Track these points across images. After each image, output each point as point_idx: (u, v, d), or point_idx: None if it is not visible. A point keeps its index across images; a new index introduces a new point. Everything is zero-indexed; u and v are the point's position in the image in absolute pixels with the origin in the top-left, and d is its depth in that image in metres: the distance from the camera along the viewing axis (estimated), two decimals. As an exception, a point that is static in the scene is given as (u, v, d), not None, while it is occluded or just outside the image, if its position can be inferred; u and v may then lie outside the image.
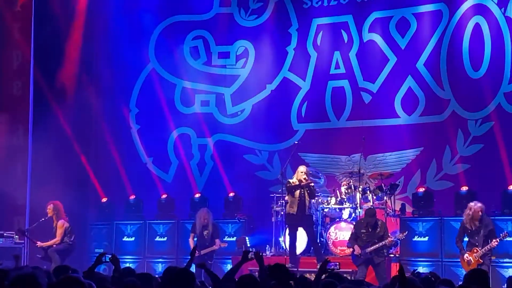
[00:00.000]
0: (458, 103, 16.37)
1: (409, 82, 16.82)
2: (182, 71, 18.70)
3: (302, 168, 14.53)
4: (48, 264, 14.62)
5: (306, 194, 14.30)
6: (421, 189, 15.59)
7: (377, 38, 17.18)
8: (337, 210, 15.40)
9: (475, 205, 13.03)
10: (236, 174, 17.63)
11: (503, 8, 16.00)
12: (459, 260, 13.35)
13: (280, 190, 15.41)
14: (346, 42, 17.45)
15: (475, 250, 12.93)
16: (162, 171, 18.66)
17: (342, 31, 17.47)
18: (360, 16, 17.31)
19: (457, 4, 16.44)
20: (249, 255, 8.63)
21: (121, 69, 18.79)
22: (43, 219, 15.62)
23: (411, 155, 16.78)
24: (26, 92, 17.95)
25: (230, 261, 15.39)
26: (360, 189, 15.26)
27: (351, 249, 13.65)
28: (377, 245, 13.33)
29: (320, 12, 17.75)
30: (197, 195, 17.14)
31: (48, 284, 6.42)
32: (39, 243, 15.37)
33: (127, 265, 15.62)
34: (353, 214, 15.19)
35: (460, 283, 7.89)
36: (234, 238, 15.97)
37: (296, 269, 13.63)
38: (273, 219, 15.74)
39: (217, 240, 14.91)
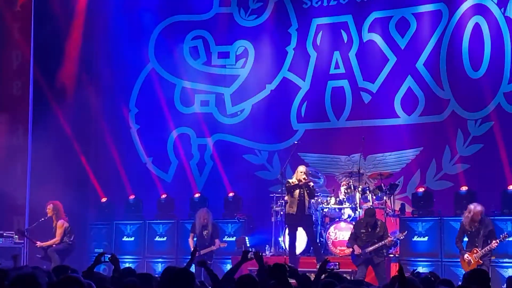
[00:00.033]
0: (457, 103, 16.37)
1: (409, 82, 16.82)
2: (181, 71, 18.70)
3: (301, 168, 14.52)
4: (47, 264, 14.62)
5: (305, 194, 14.29)
6: (421, 189, 15.58)
7: (377, 38, 17.18)
8: (337, 210, 15.41)
9: (474, 209, 13.01)
10: (235, 174, 17.63)
11: (502, 8, 16.00)
12: (458, 260, 13.36)
13: (279, 190, 15.41)
14: (345, 42, 17.45)
15: (475, 251, 12.94)
16: (162, 171, 18.66)
17: (342, 31, 17.47)
18: (360, 16, 17.31)
19: (456, 4, 16.44)
20: (249, 255, 8.63)
21: (121, 69, 18.79)
22: (42, 219, 15.62)
23: (411, 155, 16.78)
24: (26, 92, 17.96)
25: (230, 261, 15.38)
26: (359, 189, 15.27)
27: (351, 249, 13.65)
28: (376, 245, 13.33)
29: (319, 12, 17.75)
30: (197, 195, 17.14)
31: (48, 284, 6.42)
32: (38, 243, 15.37)
33: (127, 265, 15.63)
34: (353, 214, 15.19)
35: (460, 283, 7.89)
36: (234, 238, 15.97)
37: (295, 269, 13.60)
38: (272, 219, 15.74)
39: (216, 240, 14.90)
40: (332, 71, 17.58)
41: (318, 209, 15.27)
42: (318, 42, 17.72)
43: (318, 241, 14.78)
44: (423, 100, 16.70)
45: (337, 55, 17.52)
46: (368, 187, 15.61)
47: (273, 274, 7.27)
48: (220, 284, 8.10)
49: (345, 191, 15.45)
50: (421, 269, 12.42)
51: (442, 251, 14.52)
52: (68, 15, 18.31)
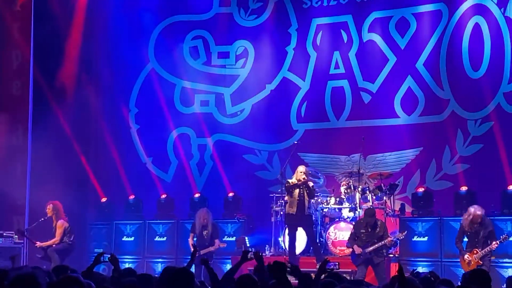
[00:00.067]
0: (457, 103, 16.37)
1: (409, 82, 16.82)
2: (181, 71, 18.70)
3: (301, 168, 14.52)
4: (47, 264, 14.61)
5: (305, 194, 14.29)
6: (421, 189, 15.58)
7: (377, 38, 17.18)
8: (337, 210, 15.41)
9: (474, 212, 13.00)
10: (235, 174, 17.63)
11: (502, 8, 16.00)
12: (458, 260, 13.36)
13: (279, 190, 15.41)
14: (345, 42, 17.46)
15: (475, 251, 12.94)
16: (162, 171, 18.66)
17: (342, 31, 17.47)
18: (360, 16, 17.31)
19: (456, 4, 16.45)
20: (249, 255, 8.62)
21: (121, 69, 18.79)
22: (42, 219, 15.62)
23: (411, 155, 16.78)
24: (25, 92, 17.95)
25: (230, 261, 15.38)
26: (359, 189, 15.27)
27: (351, 249, 13.64)
28: (376, 245, 13.33)
29: (319, 12, 17.75)
30: (197, 195, 17.14)
31: (48, 284, 6.42)
32: (38, 243, 15.37)
33: (127, 265, 15.65)
34: (353, 214, 15.19)
35: (459, 283, 7.90)
36: (234, 238, 15.97)
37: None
38: (272, 219, 15.74)
39: (216, 240, 14.90)
40: (332, 71, 17.58)
41: (318, 209, 15.27)
42: (318, 42, 17.72)
43: (318, 241, 14.78)
44: (423, 100, 16.71)
45: (337, 55, 17.52)
46: (368, 187, 15.61)
47: (272, 272, 7.25)
48: (219, 284, 8.10)
49: (345, 191, 15.45)
50: (420, 269, 12.39)
51: (442, 251, 14.52)
52: (68, 15, 18.30)
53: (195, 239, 14.96)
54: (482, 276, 7.71)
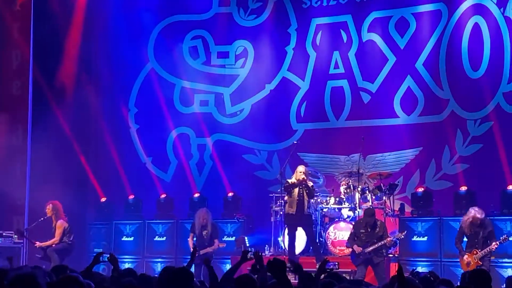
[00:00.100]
0: (457, 103, 16.37)
1: (408, 82, 16.83)
2: (181, 70, 18.70)
3: (301, 168, 14.52)
4: (47, 264, 14.59)
5: (304, 194, 14.29)
6: (420, 189, 15.59)
7: (376, 38, 17.18)
8: (336, 210, 15.41)
9: (475, 215, 12.98)
10: (235, 174, 17.63)
11: (502, 8, 16.00)
12: (458, 260, 13.36)
13: (279, 190, 15.41)
14: (345, 42, 17.46)
15: (474, 252, 12.94)
16: (161, 171, 18.65)
17: (341, 31, 17.47)
18: (359, 16, 17.31)
19: (456, 4, 16.45)
20: (248, 255, 8.62)
21: (120, 69, 18.79)
22: (42, 218, 15.62)
23: (410, 155, 16.79)
24: (25, 91, 17.95)
25: (229, 261, 15.37)
26: (359, 189, 15.27)
27: (350, 249, 13.65)
28: (376, 245, 13.33)
29: (319, 12, 17.75)
30: (196, 195, 17.14)
31: (47, 284, 6.42)
32: (37, 243, 15.37)
33: (126, 265, 15.67)
34: (352, 214, 15.19)
35: (459, 283, 7.90)
36: (233, 238, 15.97)
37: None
38: (272, 219, 15.74)
39: (215, 241, 14.88)
40: (332, 71, 17.58)
41: (317, 209, 15.28)
42: (317, 42, 17.72)
43: (317, 241, 14.78)
44: (422, 100, 16.71)
45: (336, 55, 17.52)
46: (368, 187, 15.61)
47: (271, 270, 7.25)
48: (218, 284, 8.09)
49: (345, 191, 15.46)
50: (420, 269, 12.42)
51: (442, 251, 14.52)
52: (68, 15, 18.30)
53: (194, 239, 14.95)
54: (482, 276, 7.72)
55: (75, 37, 18.34)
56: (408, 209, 15.75)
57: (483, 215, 13.06)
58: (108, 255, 8.78)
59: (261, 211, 16.64)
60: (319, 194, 15.58)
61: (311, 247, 14.71)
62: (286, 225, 14.68)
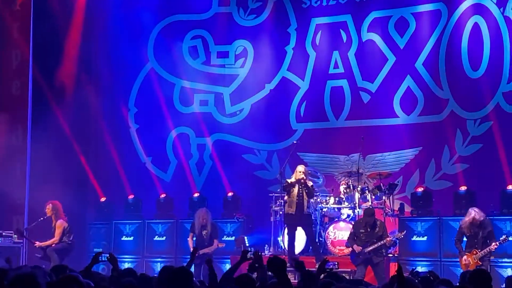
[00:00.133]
0: (457, 103, 16.37)
1: (408, 81, 16.83)
2: (181, 70, 18.70)
3: (300, 168, 14.52)
4: (47, 263, 14.59)
5: (304, 193, 14.29)
6: (420, 189, 15.59)
7: (376, 38, 17.18)
8: (336, 209, 15.41)
9: (475, 216, 12.98)
10: (235, 173, 17.63)
11: (502, 8, 16.00)
12: (457, 260, 13.36)
13: (279, 190, 15.40)
14: (345, 41, 17.46)
15: (474, 252, 12.94)
16: (161, 171, 18.65)
17: (341, 31, 17.47)
18: (359, 16, 17.31)
19: (456, 4, 16.45)
20: (248, 255, 8.62)
21: (120, 68, 18.78)
22: (41, 218, 15.62)
23: (410, 155, 16.79)
24: (25, 91, 17.95)
25: (229, 260, 15.38)
26: (358, 188, 15.27)
27: (350, 249, 13.65)
28: (376, 245, 13.33)
29: (319, 12, 17.75)
30: (196, 195, 17.13)
31: (47, 283, 6.42)
32: (37, 243, 15.37)
33: (126, 265, 15.68)
34: (352, 214, 15.20)
35: (458, 283, 7.91)
36: (233, 238, 15.97)
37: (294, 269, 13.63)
38: (272, 219, 15.74)
39: (215, 241, 14.88)
40: (331, 70, 17.58)
41: (317, 208, 15.28)
42: (317, 41, 17.72)
43: (317, 240, 14.78)
44: (422, 100, 16.71)
45: (336, 54, 17.52)
46: (367, 186, 15.61)
47: (271, 269, 7.26)
48: (218, 284, 8.09)
49: (344, 190, 15.46)
50: (420, 269, 12.40)
51: (441, 251, 14.52)
52: (67, 14, 18.29)
53: (194, 238, 14.95)
54: (482, 276, 7.73)
55: (75, 37, 18.34)
56: (407, 209, 15.76)
57: (483, 216, 13.07)
58: (108, 255, 8.78)
59: (260, 211, 16.64)
60: (319, 194, 15.57)
61: (310, 247, 14.71)
62: (285, 225, 14.68)
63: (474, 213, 13.04)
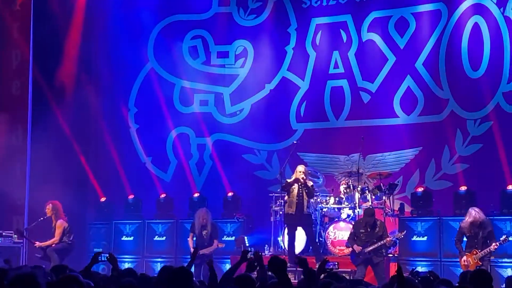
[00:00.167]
0: (457, 103, 16.37)
1: (408, 81, 16.83)
2: (181, 70, 18.70)
3: (300, 168, 14.52)
4: (47, 263, 14.59)
5: (304, 193, 14.29)
6: (420, 189, 15.59)
7: (376, 38, 17.18)
8: (336, 209, 15.41)
9: (475, 216, 12.98)
10: (235, 173, 17.63)
11: (502, 8, 16.00)
12: (457, 260, 13.35)
13: (279, 190, 15.40)
14: (345, 41, 17.46)
15: (474, 252, 12.94)
16: (161, 171, 18.65)
17: (341, 31, 17.47)
18: (359, 16, 17.31)
19: (456, 4, 16.45)
20: (248, 255, 8.63)
21: (120, 68, 18.78)
22: (41, 218, 15.61)
23: (410, 155, 16.79)
24: (25, 91, 17.95)
25: (229, 260, 15.38)
26: (359, 188, 15.27)
27: (350, 249, 13.65)
28: (376, 245, 13.33)
29: (319, 12, 17.75)
30: (196, 195, 17.14)
31: (47, 283, 6.42)
32: (37, 243, 15.36)
33: (126, 265, 15.68)
34: (352, 214, 15.19)
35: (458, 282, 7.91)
36: (233, 238, 15.97)
37: (294, 269, 13.63)
38: (272, 219, 15.74)
39: (215, 241, 14.88)
40: (331, 70, 17.58)
41: (317, 208, 15.28)
42: (317, 41, 17.72)
43: (317, 240, 14.78)
44: (422, 100, 16.71)
45: (336, 54, 17.52)
46: (367, 186, 15.61)
47: (271, 269, 7.26)
48: (218, 284, 8.09)
49: (344, 190, 15.45)
50: (420, 269, 12.38)
51: (441, 251, 14.52)
52: (67, 14, 18.29)
53: (194, 238, 14.95)
54: (483, 276, 7.73)
55: (75, 37, 18.34)
56: (407, 209, 15.76)
57: (483, 216, 13.06)
58: (107, 255, 8.78)
59: (260, 211, 16.64)
60: (319, 194, 15.58)
61: (310, 247, 14.70)
62: (285, 225, 14.68)
63: (474, 212, 13.04)
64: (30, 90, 17.93)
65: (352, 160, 16.85)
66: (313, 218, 14.82)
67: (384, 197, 15.26)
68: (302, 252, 14.87)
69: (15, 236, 16.05)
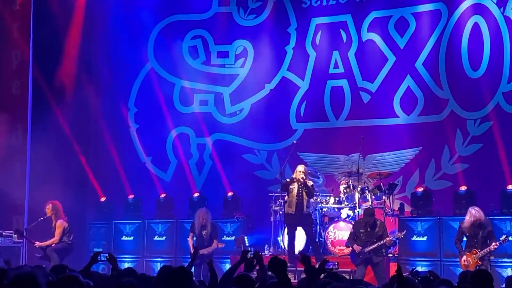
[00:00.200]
0: (457, 103, 16.38)
1: (408, 81, 16.83)
2: (181, 70, 18.70)
3: (300, 168, 14.52)
4: (47, 263, 14.58)
5: (304, 193, 14.29)
6: (420, 189, 15.59)
7: (376, 38, 17.19)
8: (336, 209, 15.41)
9: (475, 216, 12.98)
10: (235, 173, 17.63)
11: (502, 8, 16.00)
12: (457, 260, 13.36)
13: (278, 190, 15.41)
14: (345, 41, 17.46)
15: (474, 252, 12.94)
16: (161, 171, 18.65)
17: (341, 31, 17.47)
18: (359, 16, 17.32)
19: (456, 4, 16.45)
20: (248, 255, 8.63)
21: (120, 68, 18.78)
22: (41, 218, 15.61)
23: (410, 155, 16.79)
24: (25, 91, 17.95)
25: (229, 260, 15.38)
26: (358, 188, 15.27)
27: (350, 249, 13.65)
28: (376, 245, 13.33)
29: (319, 12, 17.76)
30: (196, 195, 17.14)
31: (47, 283, 6.43)
32: (37, 243, 15.36)
33: (126, 264, 15.68)
34: (352, 214, 15.19)
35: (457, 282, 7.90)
36: (233, 238, 15.97)
37: (294, 269, 13.65)
38: (271, 219, 15.74)
39: (215, 241, 14.88)
40: (331, 70, 17.58)
41: (317, 208, 15.28)
42: (317, 41, 17.73)
43: (317, 240, 14.78)
44: (422, 100, 16.71)
45: (336, 54, 17.52)
46: (367, 186, 15.61)
47: (271, 269, 7.26)
48: (217, 284, 8.09)
49: (344, 190, 15.45)
50: (420, 269, 12.39)
51: (441, 251, 14.53)
52: (67, 14, 18.30)
53: (194, 238, 14.95)
54: (484, 276, 7.73)
55: (75, 37, 18.34)
56: (407, 208, 15.76)
57: (483, 216, 13.06)
58: (107, 255, 8.78)
59: (260, 210, 16.64)
60: (319, 194, 15.57)
61: (310, 247, 14.70)
62: (285, 225, 14.68)
63: (474, 212, 13.04)
64: (30, 90, 17.93)
65: (352, 160, 16.85)
66: (313, 218, 14.82)
67: (384, 197, 15.26)
68: (302, 252, 14.86)
69: (15, 236, 16.05)
